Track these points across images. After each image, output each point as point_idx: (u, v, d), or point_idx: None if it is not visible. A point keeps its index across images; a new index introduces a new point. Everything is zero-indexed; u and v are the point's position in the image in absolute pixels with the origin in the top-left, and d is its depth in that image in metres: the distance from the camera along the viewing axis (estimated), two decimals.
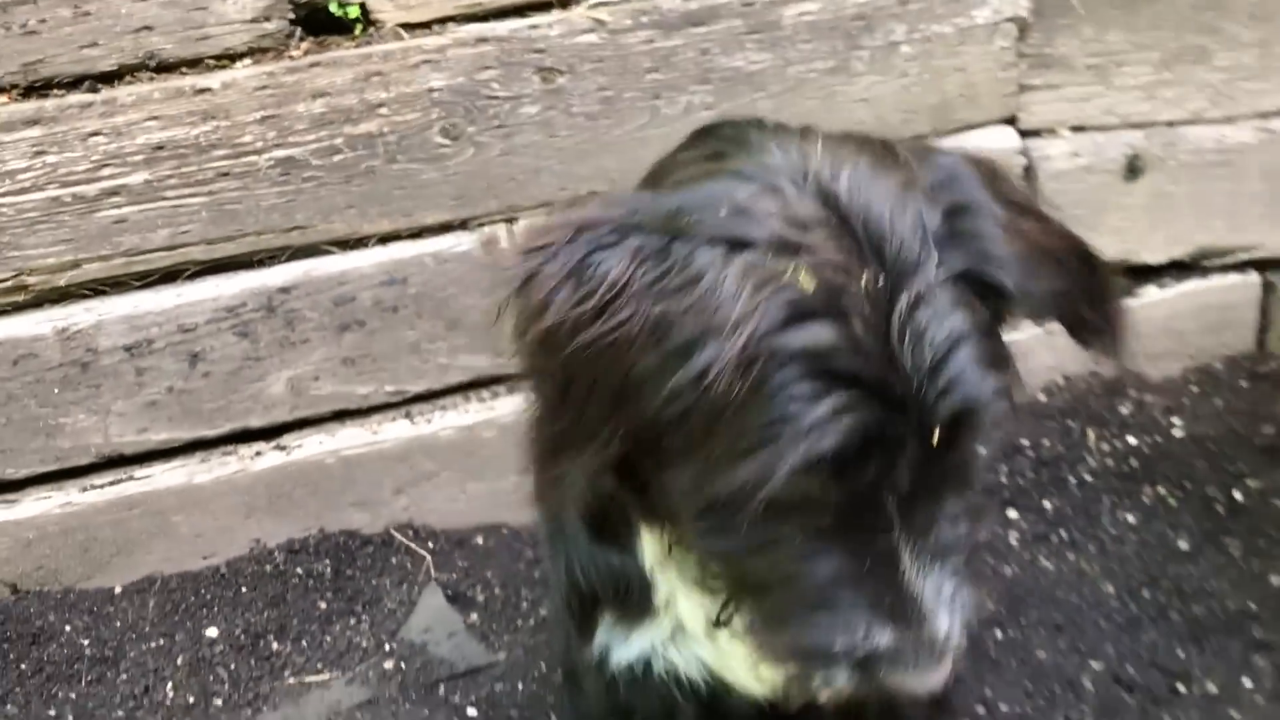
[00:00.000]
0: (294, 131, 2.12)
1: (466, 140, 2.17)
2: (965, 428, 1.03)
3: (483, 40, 2.13)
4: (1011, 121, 2.42)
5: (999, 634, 2.05)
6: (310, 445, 2.30)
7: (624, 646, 1.43)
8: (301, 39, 2.16)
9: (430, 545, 2.34)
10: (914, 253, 1.01)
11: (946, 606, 1.05)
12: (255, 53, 2.13)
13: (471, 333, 2.27)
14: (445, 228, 2.23)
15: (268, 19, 2.11)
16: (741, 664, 1.35)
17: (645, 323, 1.01)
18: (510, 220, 2.25)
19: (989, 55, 2.32)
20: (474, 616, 2.22)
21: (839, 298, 0.99)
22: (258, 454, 2.28)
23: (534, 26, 2.15)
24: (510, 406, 2.29)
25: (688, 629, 1.38)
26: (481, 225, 2.24)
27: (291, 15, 2.14)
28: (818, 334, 0.98)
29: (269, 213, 2.16)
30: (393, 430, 2.29)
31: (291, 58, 2.12)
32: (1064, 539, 2.23)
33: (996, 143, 2.38)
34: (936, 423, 1.00)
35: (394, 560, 2.32)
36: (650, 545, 1.32)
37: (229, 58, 2.13)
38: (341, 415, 2.31)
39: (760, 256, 1.00)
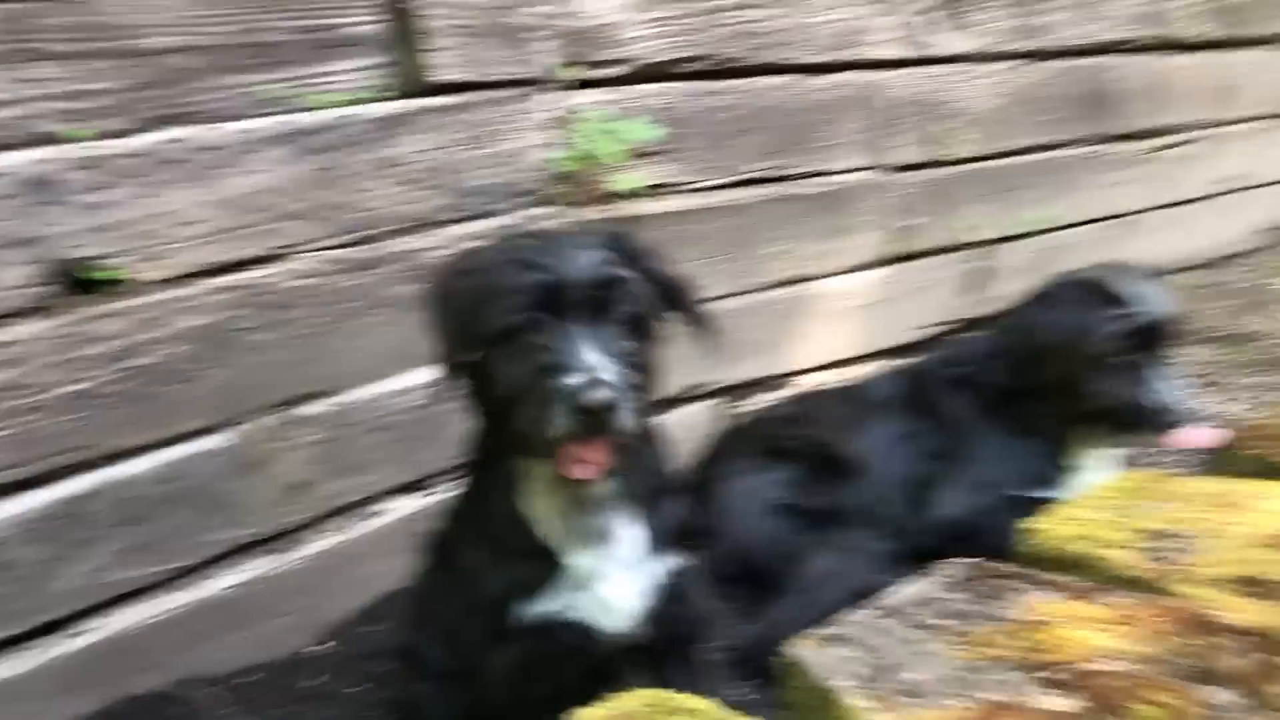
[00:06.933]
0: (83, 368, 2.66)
1: (217, 363, 2.87)
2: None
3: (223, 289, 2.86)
4: None
5: None
6: None
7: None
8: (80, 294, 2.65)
9: None
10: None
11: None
12: (41, 310, 2.61)
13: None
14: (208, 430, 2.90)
15: (44, 284, 2.60)
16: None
17: None
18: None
19: None
20: None
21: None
22: None
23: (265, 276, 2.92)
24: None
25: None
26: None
27: (63, 281, 2.64)
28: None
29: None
30: None
31: (73, 313, 2.65)
32: None
33: None
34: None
35: None
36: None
37: (18, 315, 2.58)
38: None
39: None
